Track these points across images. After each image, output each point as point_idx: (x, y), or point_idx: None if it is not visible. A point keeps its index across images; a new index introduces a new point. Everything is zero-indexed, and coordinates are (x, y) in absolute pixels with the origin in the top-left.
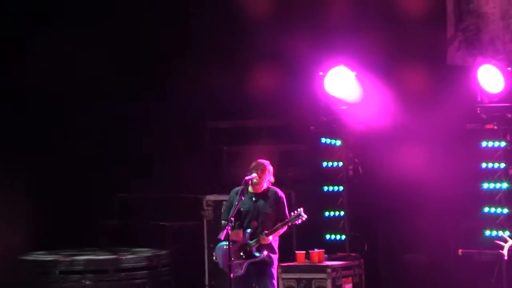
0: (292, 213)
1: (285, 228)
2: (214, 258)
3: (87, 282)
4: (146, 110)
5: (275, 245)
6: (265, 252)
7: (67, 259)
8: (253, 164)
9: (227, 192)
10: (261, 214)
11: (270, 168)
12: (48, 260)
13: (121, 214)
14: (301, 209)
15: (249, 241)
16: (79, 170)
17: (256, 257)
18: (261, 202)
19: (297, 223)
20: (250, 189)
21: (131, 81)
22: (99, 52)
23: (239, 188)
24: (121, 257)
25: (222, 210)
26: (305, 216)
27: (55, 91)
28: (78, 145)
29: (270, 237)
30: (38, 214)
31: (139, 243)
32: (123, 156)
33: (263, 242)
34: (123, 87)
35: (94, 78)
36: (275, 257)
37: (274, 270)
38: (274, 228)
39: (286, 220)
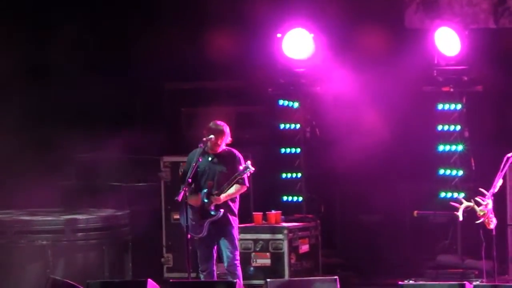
0: (240, 168)
1: (242, 188)
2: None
3: (44, 242)
4: (104, 72)
5: (234, 207)
6: (222, 210)
7: (23, 218)
8: (210, 125)
9: (185, 153)
10: (217, 173)
11: (227, 129)
12: (4, 220)
13: (79, 175)
14: (249, 161)
15: (205, 200)
16: (38, 130)
17: (213, 216)
18: (217, 162)
19: (245, 176)
20: (207, 150)
21: (90, 41)
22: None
23: (197, 150)
24: (78, 218)
25: (180, 173)
26: (252, 169)
27: None
28: (37, 107)
29: (222, 196)
30: None
31: (97, 204)
32: (80, 118)
33: (216, 202)
34: (79, 48)
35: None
36: (234, 218)
37: (235, 232)
38: (225, 185)
39: (235, 174)
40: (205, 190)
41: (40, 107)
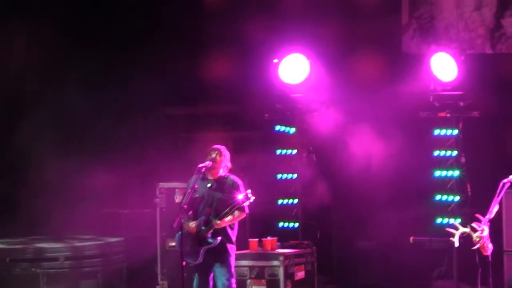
0: (239, 196)
1: (241, 215)
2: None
3: (38, 270)
4: (102, 96)
5: (232, 235)
6: (219, 238)
7: (18, 246)
8: (209, 149)
9: (182, 179)
10: (215, 200)
11: (227, 153)
12: None
13: (73, 201)
14: (249, 190)
15: (202, 228)
16: (32, 155)
17: (210, 243)
18: (216, 188)
19: (245, 205)
20: (207, 175)
21: (87, 67)
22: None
23: (195, 176)
24: (73, 245)
25: (176, 199)
26: (252, 197)
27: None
28: (30, 132)
29: (225, 219)
30: None
31: (92, 230)
32: (76, 143)
33: (216, 227)
34: (79, 72)
35: (50, 63)
36: (231, 246)
37: (232, 259)
38: (224, 212)
39: (234, 203)
40: (202, 217)
41: (33, 132)
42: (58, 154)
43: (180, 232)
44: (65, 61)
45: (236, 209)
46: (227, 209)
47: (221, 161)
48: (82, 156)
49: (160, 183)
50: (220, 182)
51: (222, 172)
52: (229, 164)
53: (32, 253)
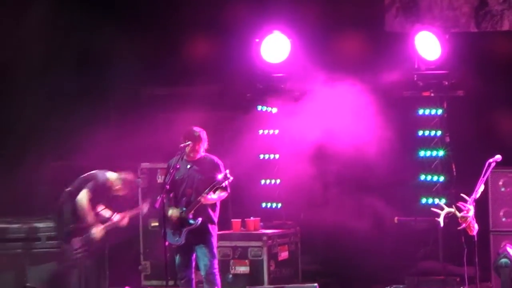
0: (219, 176)
1: (223, 194)
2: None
3: (19, 251)
4: (81, 77)
5: (214, 216)
6: (200, 219)
7: (3, 226)
8: (187, 131)
9: (162, 159)
10: (196, 181)
11: (204, 135)
12: None
13: (54, 182)
14: (227, 170)
15: (183, 209)
16: (10, 136)
17: (191, 224)
18: (196, 169)
19: (225, 185)
20: (186, 156)
21: (66, 47)
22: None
23: (176, 157)
24: (54, 225)
25: (158, 180)
26: (231, 177)
27: None
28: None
29: (209, 196)
30: None
31: None
32: (56, 124)
33: (204, 202)
34: (57, 53)
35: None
36: (213, 227)
37: (214, 240)
38: (206, 191)
39: (214, 182)
40: (183, 198)
41: (12, 111)
42: (35, 134)
43: (162, 213)
44: (43, 42)
45: (218, 188)
46: (207, 189)
47: (200, 142)
48: (61, 139)
49: (142, 164)
50: (200, 163)
51: (201, 153)
52: (206, 145)
53: (13, 232)
